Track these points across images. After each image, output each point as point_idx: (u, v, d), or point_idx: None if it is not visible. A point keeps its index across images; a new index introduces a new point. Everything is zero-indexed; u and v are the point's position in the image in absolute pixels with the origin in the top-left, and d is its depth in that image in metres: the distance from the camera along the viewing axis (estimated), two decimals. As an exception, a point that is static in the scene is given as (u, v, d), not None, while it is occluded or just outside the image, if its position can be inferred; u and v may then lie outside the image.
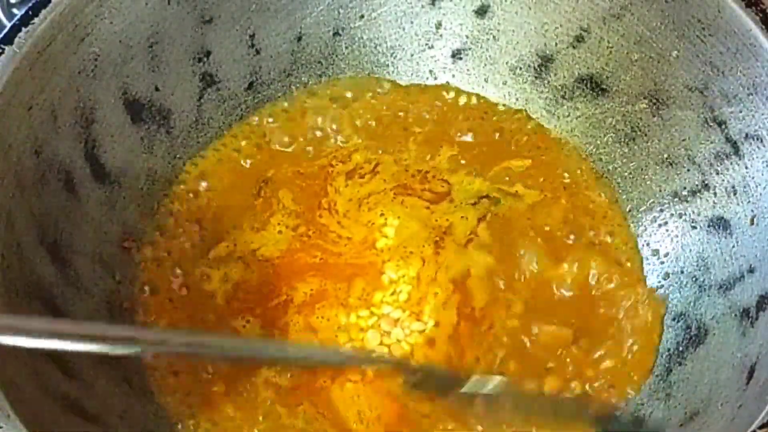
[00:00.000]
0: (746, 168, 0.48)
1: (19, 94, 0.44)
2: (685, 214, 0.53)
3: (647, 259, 0.54)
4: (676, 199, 0.53)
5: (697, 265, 0.51)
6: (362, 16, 0.58)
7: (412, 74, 0.60)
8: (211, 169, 0.56)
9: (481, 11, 0.58)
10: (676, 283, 0.52)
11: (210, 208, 0.55)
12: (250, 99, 0.58)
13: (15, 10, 0.58)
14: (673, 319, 0.51)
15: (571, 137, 0.58)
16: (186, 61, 0.54)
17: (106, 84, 0.49)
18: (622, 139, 0.56)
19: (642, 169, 0.55)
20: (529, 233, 0.54)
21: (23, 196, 0.45)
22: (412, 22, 0.59)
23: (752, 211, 0.48)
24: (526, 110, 0.59)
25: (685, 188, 0.53)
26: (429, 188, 0.56)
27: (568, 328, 0.51)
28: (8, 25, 0.45)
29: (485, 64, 0.59)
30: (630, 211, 0.55)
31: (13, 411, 0.38)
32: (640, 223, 0.55)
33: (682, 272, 0.52)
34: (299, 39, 0.58)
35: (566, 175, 0.57)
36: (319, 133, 0.58)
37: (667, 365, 0.50)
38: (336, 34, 0.59)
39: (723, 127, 0.49)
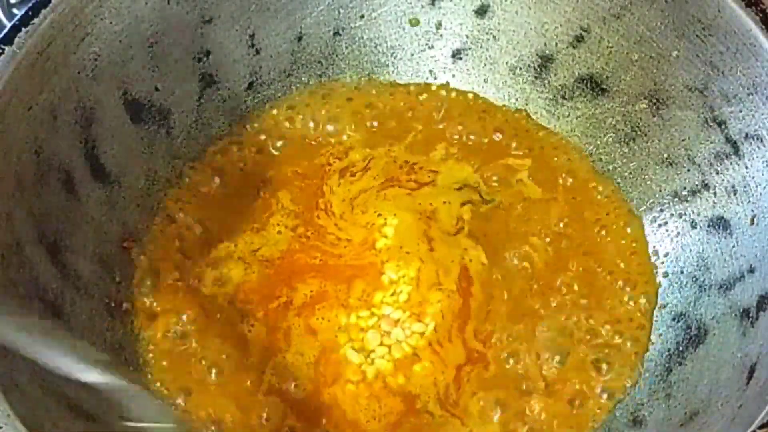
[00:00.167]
0: (746, 168, 0.48)
1: (19, 94, 0.44)
2: (685, 214, 0.53)
3: (647, 259, 0.54)
4: (676, 199, 0.53)
5: (697, 265, 0.51)
6: (362, 16, 0.58)
7: (412, 74, 0.60)
8: (211, 169, 0.56)
9: (481, 11, 0.58)
10: (676, 283, 0.52)
11: (210, 208, 0.55)
12: (250, 99, 0.58)
13: (15, 10, 0.58)
14: (673, 319, 0.51)
15: (571, 137, 0.58)
16: (186, 61, 0.54)
17: (106, 84, 0.49)
18: (622, 139, 0.56)
19: (642, 169, 0.55)
20: (529, 233, 0.54)
21: (23, 196, 0.45)
22: (412, 22, 0.59)
23: (752, 211, 0.48)
24: (526, 110, 0.59)
25: (685, 188, 0.53)
26: (415, 179, 0.56)
27: (569, 329, 0.51)
28: (8, 25, 0.45)
29: (485, 64, 0.59)
30: (630, 211, 0.55)
31: (13, 411, 0.38)
32: (640, 223, 0.55)
33: (682, 272, 0.52)
34: (299, 39, 0.58)
35: (566, 175, 0.57)
36: (318, 133, 0.58)
37: (667, 365, 0.50)
38: (336, 34, 0.59)
39: (723, 127, 0.49)
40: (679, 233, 0.53)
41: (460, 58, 0.60)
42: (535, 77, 0.58)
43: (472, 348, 0.50)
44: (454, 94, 0.60)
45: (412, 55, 0.60)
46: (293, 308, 0.51)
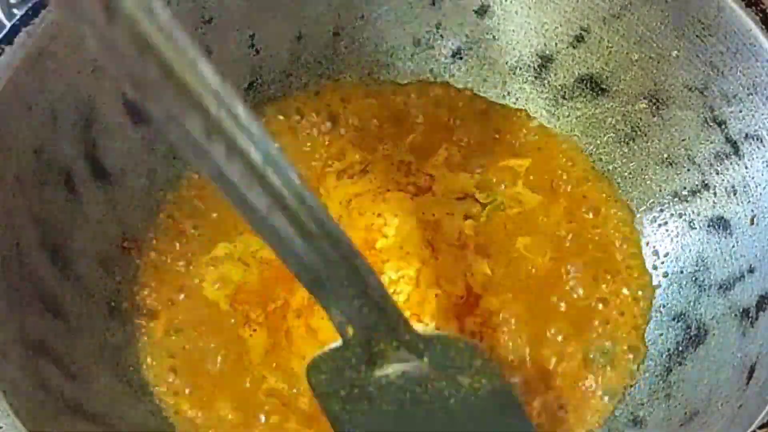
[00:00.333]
0: (746, 168, 0.48)
1: (19, 94, 0.44)
2: (685, 214, 0.53)
3: (647, 259, 0.54)
4: (676, 199, 0.53)
5: (697, 265, 0.51)
6: (362, 16, 0.58)
7: (412, 74, 0.60)
8: (211, 169, 0.56)
9: (481, 11, 0.58)
10: (676, 283, 0.52)
11: (210, 208, 0.55)
12: (250, 99, 0.58)
13: (15, 10, 0.58)
14: (673, 319, 0.51)
15: (570, 137, 0.58)
16: (186, 61, 0.54)
17: (106, 84, 0.49)
18: (622, 139, 0.56)
19: (642, 169, 0.55)
20: (529, 234, 0.54)
21: (23, 196, 0.45)
22: (412, 22, 0.59)
23: (752, 211, 0.48)
24: (526, 110, 0.59)
25: (685, 188, 0.53)
26: (414, 181, 0.56)
27: (569, 329, 0.51)
28: (8, 25, 0.45)
29: (485, 64, 0.59)
30: (630, 211, 0.55)
31: (13, 411, 0.38)
32: (640, 223, 0.55)
33: (681, 272, 0.52)
34: (299, 39, 0.58)
35: (566, 175, 0.57)
36: (317, 134, 0.58)
37: (667, 365, 0.50)
38: (336, 34, 0.59)
39: (723, 127, 0.49)
40: (678, 233, 0.53)
41: (460, 58, 0.60)
42: (535, 77, 0.58)
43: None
44: (454, 94, 0.60)
45: (412, 55, 0.60)
46: (293, 309, 0.51)
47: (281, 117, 0.59)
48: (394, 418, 0.42)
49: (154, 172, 0.54)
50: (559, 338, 0.51)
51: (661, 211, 0.54)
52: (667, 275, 0.53)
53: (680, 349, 0.50)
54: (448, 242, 0.54)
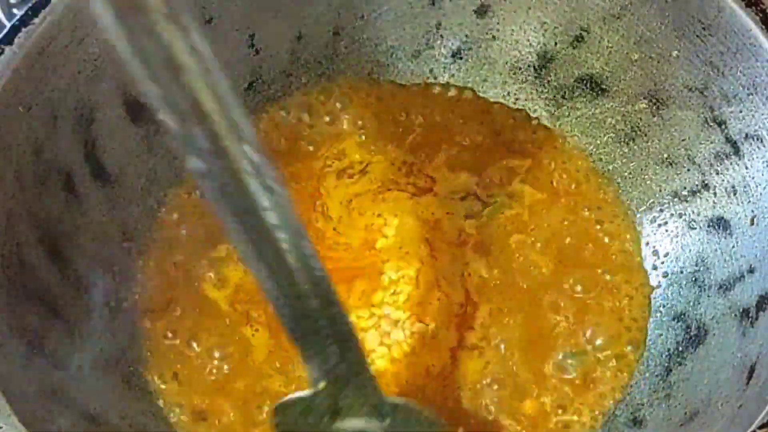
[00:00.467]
0: (746, 168, 0.48)
1: (19, 94, 0.44)
2: (685, 214, 0.53)
3: (647, 259, 0.54)
4: (676, 199, 0.53)
5: (697, 265, 0.51)
6: (362, 16, 0.58)
7: (412, 74, 0.60)
8: (211, 169, 0.56)
9: (481, 11, 0.58)
10: (676, 283, 0.52)
11: (210, 208, 0.55)
12: (250, 99, 0.58)
13: (15, 10, 0.58)
14: (673, 319, 0.51)
15: (570, 137, 0.58)
16: (186, 61, 0.54)
17: (106, 84, 0.49)
18: (622, 139, 0.56)
19: (642, 169, 0.55)
20: (529, 234, 0.54)
21: (23, 196, 0.45)
22: (412, 22, 0.59)
23: (752, 211, 0.48)
24: (526, 110, 0.59)
25: (685, 188, 0.53)
26: (413, 182, 0.56)
27: (569, 329, 0.51)
28: (8, 25, 0.45)
29: (485, 64, 0.59)
30: (630, 211, 0.55)
31: (13, 411, 0.38)
32: (640, 223, 0.55)
33: (681, 272, 0.52)
34: (299, 39, 0.58)
35: (566, 175, 0.57)
36: (316, 134, 0.58)
37: (667, 365, 0.50)
38: (336, 34, 0.59)
39: (723, 127, 0.49)
40: (678, 233, 0.53)
41: (460, 58, 0.60)
42: (535, 77, 0.58)
43: (472, 348, 0.50)
44: (454, 94, 0.60)
45: (412, 55, 0.60)
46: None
47: (281, 117, 0.59)
48: None
49: (154, 172, 0.54)
50: (558, 338, 0.51)
51: (661, 211, 0.54)
52: (667, 275, 0.53)
53: (680, 349, 0.50)
54: (447, 242, 0.54)
